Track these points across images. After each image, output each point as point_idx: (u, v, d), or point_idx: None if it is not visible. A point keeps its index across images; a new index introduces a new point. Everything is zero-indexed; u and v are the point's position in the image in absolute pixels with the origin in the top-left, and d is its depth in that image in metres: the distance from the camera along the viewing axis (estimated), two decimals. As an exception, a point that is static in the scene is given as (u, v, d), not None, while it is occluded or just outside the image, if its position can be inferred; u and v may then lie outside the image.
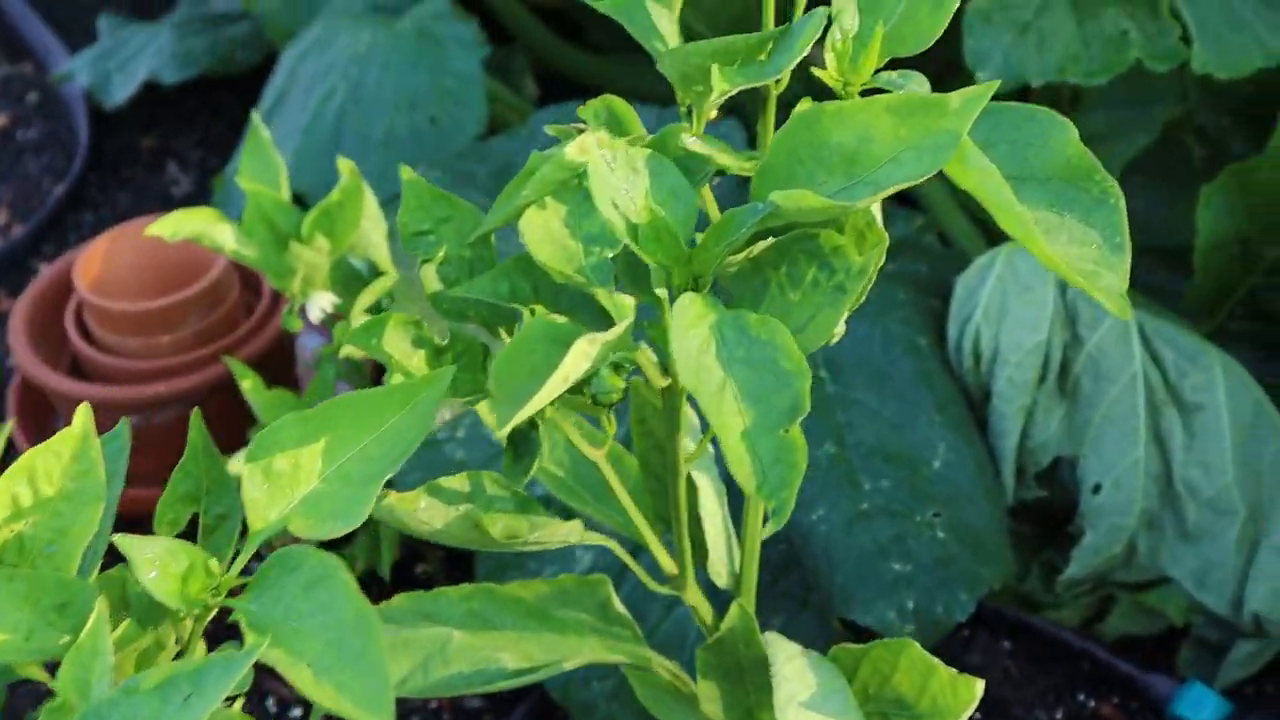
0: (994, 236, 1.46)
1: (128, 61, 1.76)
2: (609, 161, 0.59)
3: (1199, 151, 1.33)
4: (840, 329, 0.63)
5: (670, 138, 0.67)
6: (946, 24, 0.63)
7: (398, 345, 0.66)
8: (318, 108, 1.46)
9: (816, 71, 0.63)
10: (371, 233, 1.08)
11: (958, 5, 0.65)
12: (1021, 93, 1.21)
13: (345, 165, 1.05)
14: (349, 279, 1.10)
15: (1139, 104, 1.26)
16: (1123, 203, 0.56)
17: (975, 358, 1.10)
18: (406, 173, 0.71)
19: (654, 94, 1.26)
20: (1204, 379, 1.05)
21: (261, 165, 1.09)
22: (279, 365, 1.30)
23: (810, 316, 0.61)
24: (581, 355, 0.55)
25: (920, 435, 1.06)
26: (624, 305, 0.57)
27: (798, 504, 1.06)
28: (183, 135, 1.88)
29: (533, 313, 0.66)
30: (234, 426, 1.21)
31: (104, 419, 1.28)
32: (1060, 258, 0.55)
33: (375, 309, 1.10)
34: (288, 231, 1.07)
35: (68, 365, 1.30)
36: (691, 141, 0.65)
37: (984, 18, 1.06)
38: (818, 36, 0.63)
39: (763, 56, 0.66)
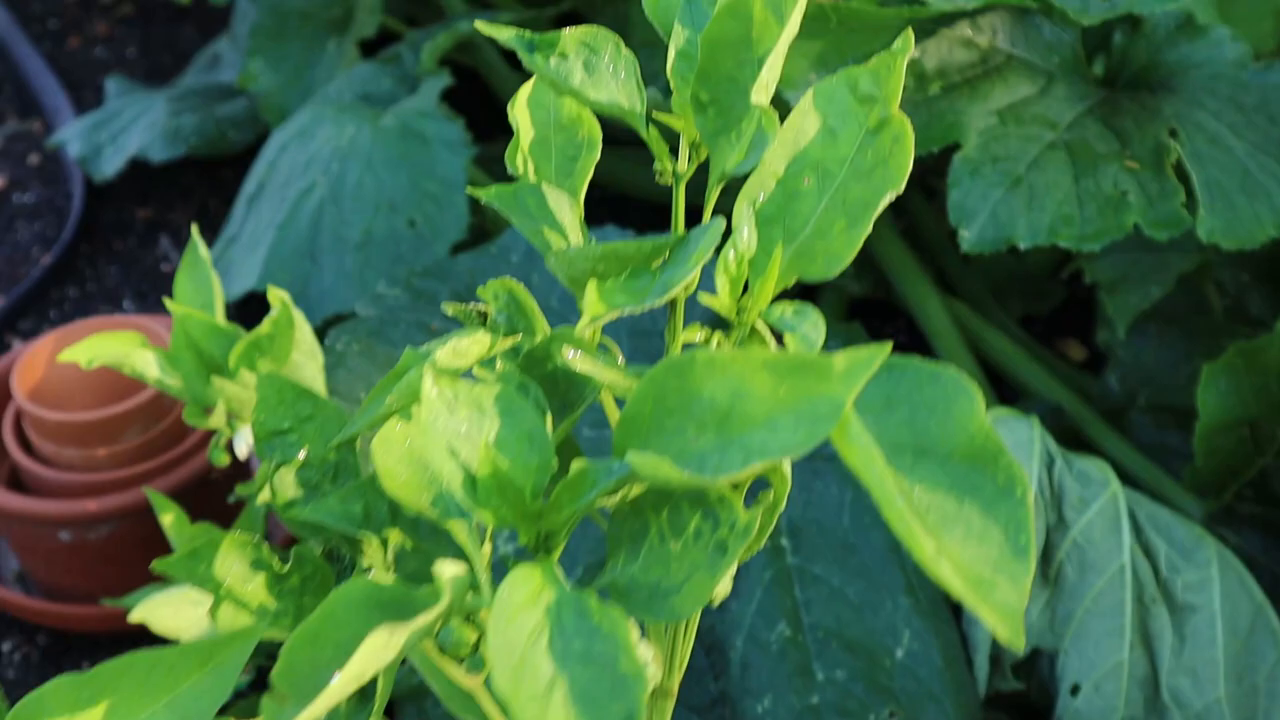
0: (1005, 393, 1.37)
1: (119, 134, 1.70)
2: (449, 401, 0.51)
3: (1219, 302, 1.24)
4: (725, 587, 0.55)
5: (554, 347, 0.59)
6: (861, 244, 0.55)
7: (231, 568, 0.58)
8: (295, 203, 1.40)
9: (704, 299, 0.55)
10: (305, 365, 1.00)
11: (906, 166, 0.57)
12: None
13: (276, 295, 0.98)
14: (282, 412, 1.02)
15: (1154, 249, 1.17)
16: (1030, 497, 0.48)
17: (951, 534, 1.01)
18: (263, 368, 0.63)
19: (661, 191, 1.18)
20: (1199, 578, 0.95)
21: (196, 285, 1.02)
22: (226, 481, 1.23)
23: (687, 576, 0.53)
24: (379, 649, 0.47)
25: (884, 620, 0.97)
26: (441, 582, 0.49)
27: (744, 691, 0.98)
28: (179, 208, 1.82)
29: (384, 542, 0.58)
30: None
31: (37, 533, 1.23)
32: (953, 558, 0.47)
33: (310, 444, 1.03)
34: (218, 360, 0.99)
35: (7, 475, 1.24)
36: (573, 356, 0.57)
37: (972, 169, 0.97)
38: (715, 248, 0.55)
39: (659, 263, 0.58)
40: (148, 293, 1.72)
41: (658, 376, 0.50)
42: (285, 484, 0.62)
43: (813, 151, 0.56)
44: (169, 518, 1.04)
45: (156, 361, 0.98)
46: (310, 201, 1.39)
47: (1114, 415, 1.28)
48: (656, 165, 0.60)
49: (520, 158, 0.63)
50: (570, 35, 0.60)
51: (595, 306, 0.54)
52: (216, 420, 0.99)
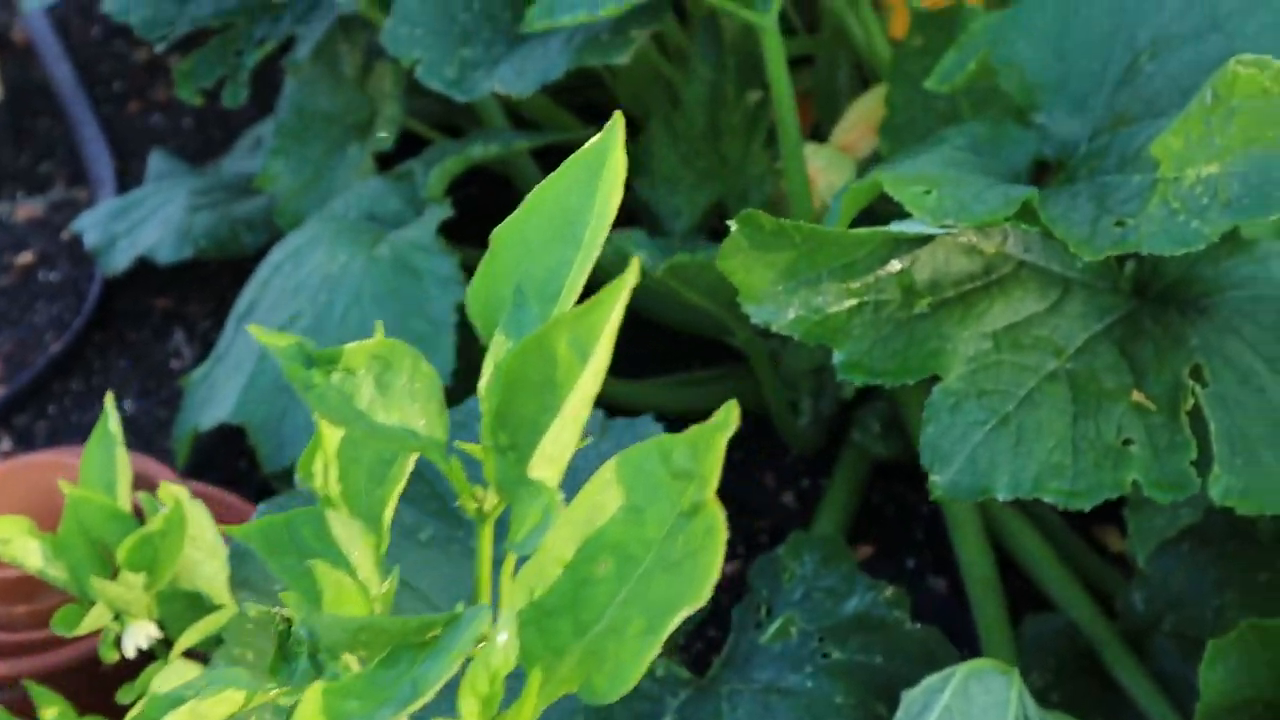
0: (1022, 592, 1.26)
1: (136, 226, 1.64)
2: None
3: (1269, 527, 1.11)
4: None
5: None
6: (648, 663, 0.44)
7: None
8: (279, 331, 1.32)
9: (446, 726, 0.45)
10: (204, 563, 0.92)
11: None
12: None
13: (169, 493, 0.89)
14: (183, 607, 0.94)
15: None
16: None
17: (907, 806, 0.89)
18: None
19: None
20: None
21: (102, 460, 0.94)
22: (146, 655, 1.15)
23: None
24: None
25: None
26: None
27: None
28: (197, 300, 1.75)
29: None
30: (99, 708, 1.06)
31: (-54, 692, 1.15)
32: None
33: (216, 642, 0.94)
34: (111, 548, 0.91)
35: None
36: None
37: (953, 404, 0.85)
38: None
39: (433, 635, 0.48)
40: (152, 391, 1.65)
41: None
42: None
43: (612, 531, 0.45)
44: (51, 712, 0.96)
45: (40, 551, 0.90)
46: (294, 331, 1.31)
47: (1136, 635, 1.16)
48: (459, 503, 0.50)
49: (319, 465, 0.54)
50: (359, 349, 0.50)
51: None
52: (97, 619, 0.91)
